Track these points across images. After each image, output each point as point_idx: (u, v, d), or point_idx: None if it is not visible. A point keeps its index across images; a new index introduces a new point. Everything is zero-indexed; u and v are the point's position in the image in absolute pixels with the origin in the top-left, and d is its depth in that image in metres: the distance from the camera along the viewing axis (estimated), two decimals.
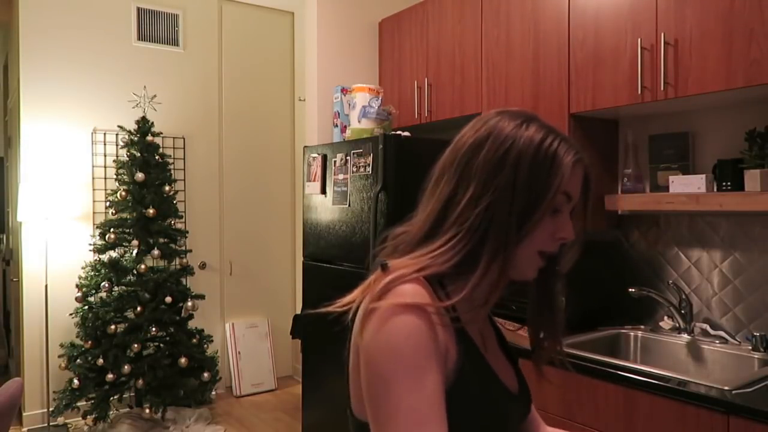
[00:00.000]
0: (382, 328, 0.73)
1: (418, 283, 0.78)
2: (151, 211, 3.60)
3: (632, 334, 2.33)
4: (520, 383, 0.96)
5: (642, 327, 2.35)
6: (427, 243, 0.83)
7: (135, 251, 3.61)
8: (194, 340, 3.77)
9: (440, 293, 0.80)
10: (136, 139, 3.69)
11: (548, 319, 0.93)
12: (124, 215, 3.64)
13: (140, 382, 3.48)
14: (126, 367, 3.43)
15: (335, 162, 2.87)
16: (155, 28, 4.13)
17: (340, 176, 2.82)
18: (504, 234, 0.80)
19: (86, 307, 3.50)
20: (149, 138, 3.70)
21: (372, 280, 0.81)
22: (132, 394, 3.73)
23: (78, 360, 3.48)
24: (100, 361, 3.43)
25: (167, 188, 3.72)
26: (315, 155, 3.02)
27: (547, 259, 0.86)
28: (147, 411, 3.62)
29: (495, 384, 0.87)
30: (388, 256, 0.86)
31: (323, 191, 2.96)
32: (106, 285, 3.51)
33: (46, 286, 3.61)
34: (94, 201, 3.89)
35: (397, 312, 0.74)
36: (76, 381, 3.43)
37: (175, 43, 4.22)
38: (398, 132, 2.70)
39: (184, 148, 4.24)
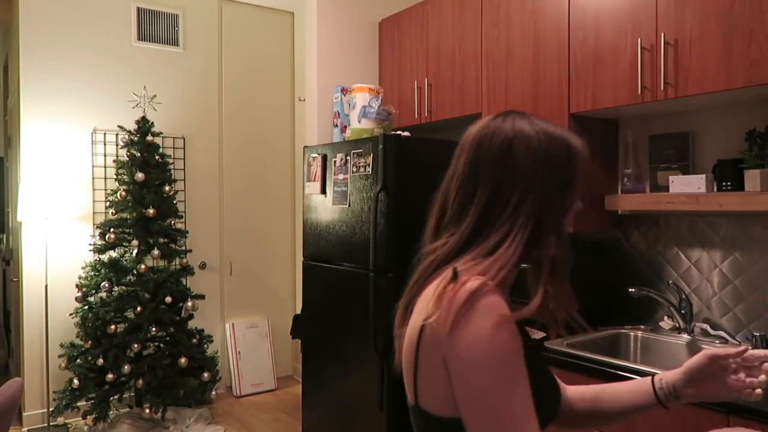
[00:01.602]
0: (480, 339, 0.80)
1: (497, 293, 0.83)
2: (151, 211, 3.60)
3: (632, 334, 2.33)
4: None
5: (642, 327, 2.35)
6: (479, 245, 0.89)
7: (135, 251, 3.61)
8: (194, 340, 3.76)
9: (508, 296, 0.89)
10: (136, 139, 3.69)
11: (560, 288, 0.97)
12: (124, 215, 3.64)
13: (140, 382, 3.48)
14: (126, 367, 3.43)
15: (335, 162, 2.87)
16: (155, 28, 4.13)
17: (340, 176, 2.82)
18: (557, 222, 0.91)
19: (86, 307, 3.50)
20: (149, 138, 3.70)
21: (443, 289, 0.84)
22: (132, 394, 3.73)
23: (78, 360, 3.48)
24: (100, 361, 3.43)
25: (167, 188, 3.72)
26: (315, 155, 3.02)
27: None
28: (147, 411, 3.62)
29: (548, 371, 1.02)
30: (441, 265, 0.91)
31: (323, 191, 2.96)
32: (106, 285, 3.51)
33: (46, 286, 3.61)
34: (94, 201, 3.89)
35: (491, 324, 0.80)
36: (76, 381, 3.43)
37: (175, 43, 4.22)
38: (398, 132, 2.70)
39: (184, 148, 4.24)
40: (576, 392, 1.14)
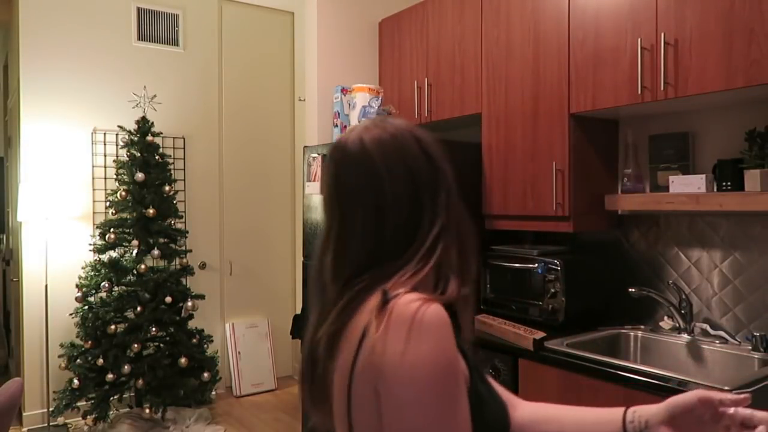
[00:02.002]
0: (415, 371, 0.71)
1: (432, 302, 0.75)
2: (151, 211, 3.60)
3: (632, 334, 2.33)
4: None
5: (642, 327, 2.35)
6: (397, 262, 0.83)
7: (135, 251, 3.61)
8: (194, 340, 3.76)
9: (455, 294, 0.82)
10: (136, 139, 3.69)
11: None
12: (124, 215, 3.64)
13: (140, 382, 3.48)
14: (126, 367, 3.43)
15: None
16: (155, 28, 4.13)
17: None
18: (453, 196, 0.89)
19: (86, 307, 3.50)
20: (149, 138, 3.70)
21: (378, 312, 0.76)
22: (132, 394, 3.73)
23: (78, 360, 3.48)
24: (100, 361, 3.43)
25: (167, 188, 3.72)
26: (315, 155, 3.02)
27: None
28: (147, 411, 3.62)
29: (493, 391, 0.89)
30: (372, 287, 0.82)
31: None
32: (106, 285, 3.51)
33: (46, 286, 3.61)
34: (94, 201, 3.89)
35: (429, 354, 0.72)
36: (76, 381, 3.43)
37: (175, 43, 4.22)
38: None
39: (184, 148, 4.24)
40: (528, 412, 0.99)
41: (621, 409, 0.93)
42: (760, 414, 0.82)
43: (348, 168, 0.86)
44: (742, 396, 0.85)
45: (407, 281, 0.79)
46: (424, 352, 0.71)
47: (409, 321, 0.73)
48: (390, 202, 0.83)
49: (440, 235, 0.84)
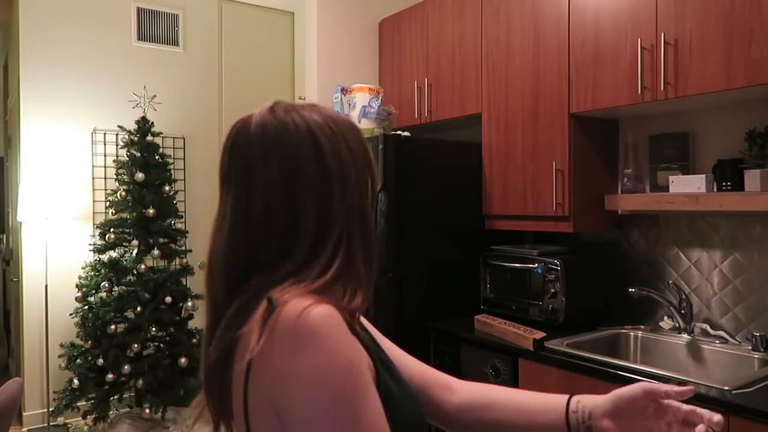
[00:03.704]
0: (315, 379, 0.65)
1: (322, 303, 0.69)
2: (151, 211, 3.59)
3: (632, 334, 2.33)
4: None
5: (642, 327, 2.35)
6: (292, 260, 0.76)
7: (135, 251, 3.61)
8: (194, 340, 3.76)
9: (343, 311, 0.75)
10: (136, 139, 3.68)
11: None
12: (124, 215, 3.63)
13: (140, 382, 3.48)
14: (126, 367, 3.43)
15: None
16: (155, 28, 4.13)
17: None
18: (364, 201, 0.82)
19: (86, 307, 3.49)
20: (149, 138, 3.69)
21: (263, 320, 0.70)
22: (132, 394, 3.73)
23: (78, 360, 3.48)
24: (100, 361, 3.43)
25: (167, 188, 3.71)
26: None
27: None
28: (147, 411, 3.62)
29: (404, 384, 0.84)
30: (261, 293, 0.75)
31: None
32: (106, 285, 3.50)
33: (46, 286, 3.61)
34: (94, 201, 3.89)
35: (325, 357, 0.66)
36: (76, 381, 3.42)
37: (175, 43, 4.22)
38: (398, 132, 2.70)
39: (184, 148, 4.23)
40: (467, 396, 0.95)
41: (565, 397, 0.90)
42: (702, 411, 0.81)
43: (294, 146, 0.79)
44: (687, 388, 0.84)
45: (302, 290, 0.72)
46: (319, 358, 0.65)
47: (293, 327, 0.66)
48: (261, 192, 0.78)
49: (341, 241, 0.77)
